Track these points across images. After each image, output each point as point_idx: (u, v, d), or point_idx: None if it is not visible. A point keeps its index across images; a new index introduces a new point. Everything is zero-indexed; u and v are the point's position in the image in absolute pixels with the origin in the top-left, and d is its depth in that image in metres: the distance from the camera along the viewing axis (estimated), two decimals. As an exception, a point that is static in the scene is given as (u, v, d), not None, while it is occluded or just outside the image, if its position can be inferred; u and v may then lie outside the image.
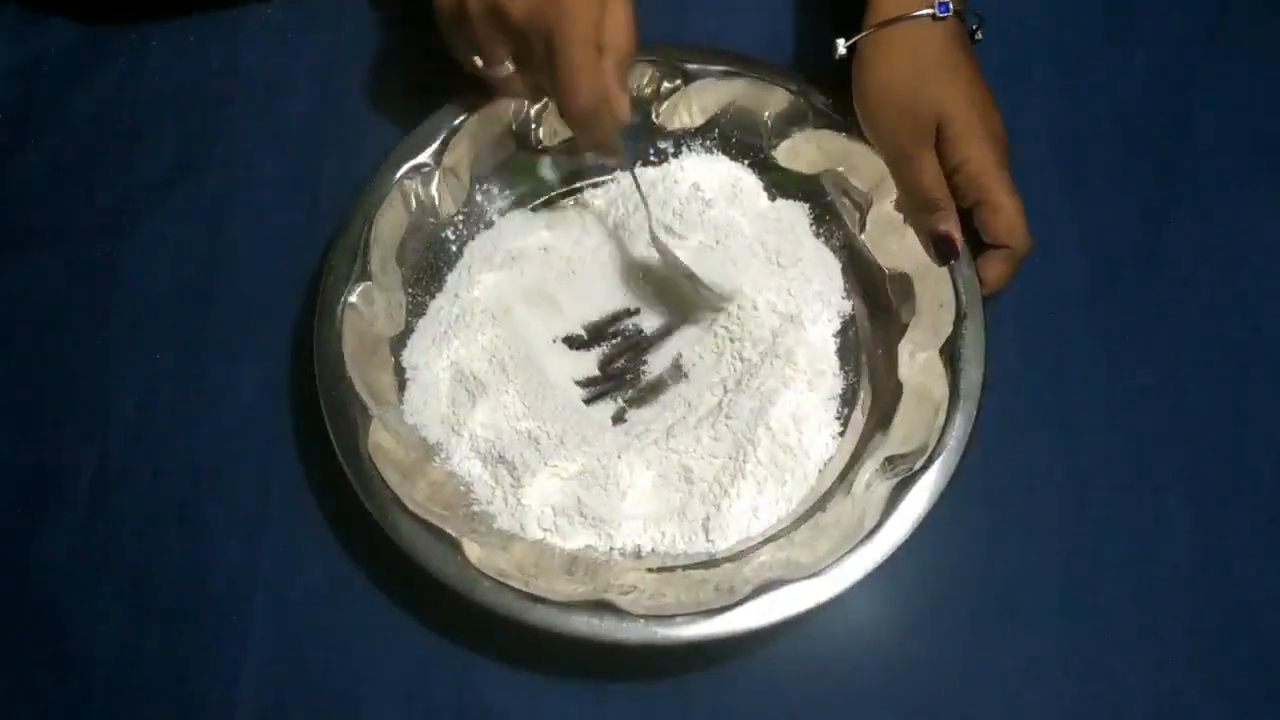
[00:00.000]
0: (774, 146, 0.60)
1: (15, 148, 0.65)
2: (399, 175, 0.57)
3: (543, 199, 0.61)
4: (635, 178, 0.57)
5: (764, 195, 0.60)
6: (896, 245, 0.56)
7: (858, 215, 0.58)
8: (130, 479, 0.57)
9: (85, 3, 0.67)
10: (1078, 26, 0.66)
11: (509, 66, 0.53)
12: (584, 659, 0.51)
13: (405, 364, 0.57)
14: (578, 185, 0.62)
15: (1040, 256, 0.54)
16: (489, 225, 0.61)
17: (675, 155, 0.61)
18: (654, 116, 0.60)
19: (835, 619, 0.53)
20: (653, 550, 0.53)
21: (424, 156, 0.57)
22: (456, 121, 0.57)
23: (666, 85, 0.59)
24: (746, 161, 0.61)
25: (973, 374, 0.51)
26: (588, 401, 0.57)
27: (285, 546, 0.56)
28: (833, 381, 0.56)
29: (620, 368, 0.58)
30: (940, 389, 0.51)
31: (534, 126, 0.59)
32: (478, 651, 0.53)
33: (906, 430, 0.52)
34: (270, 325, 0.60)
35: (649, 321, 0.60)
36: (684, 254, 0.57)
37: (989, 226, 0.52)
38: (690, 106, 0.60)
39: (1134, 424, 0.57)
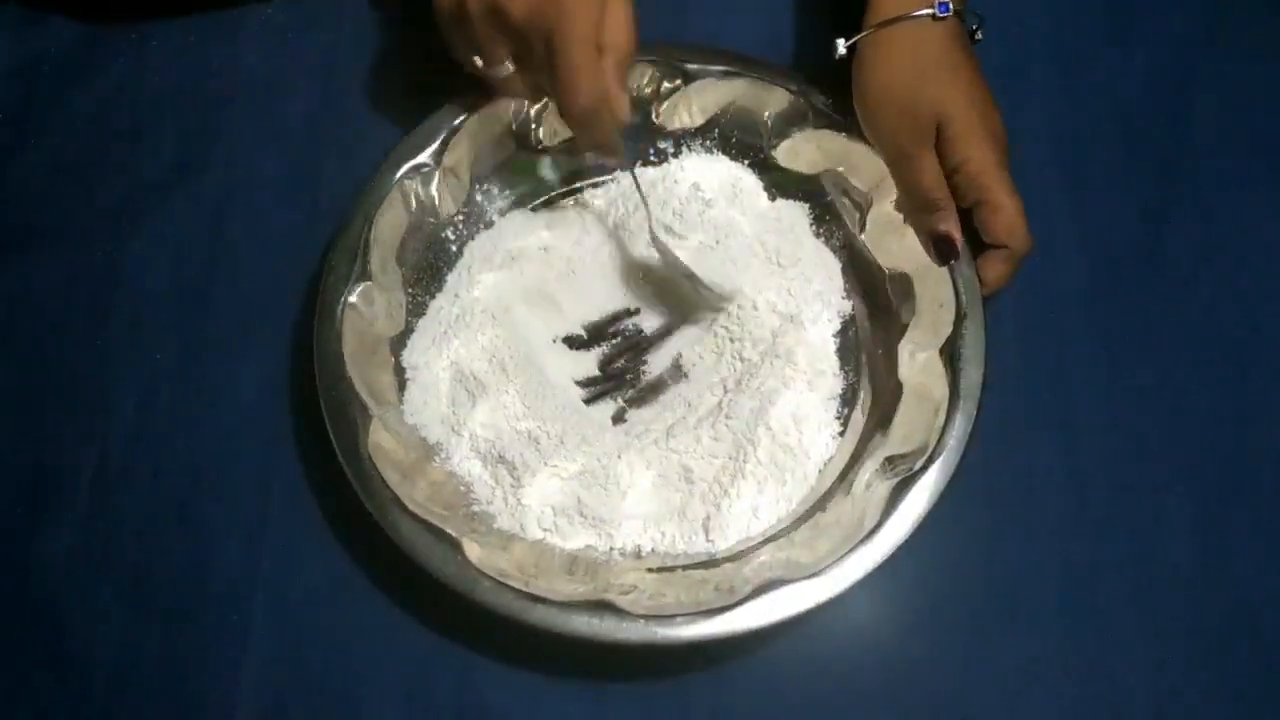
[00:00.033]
0: (774, 146, 0.60)
1: (15, 148, 0.65)
2: (399, 175, 0.57)
3: (543, 199, 0.61)
4: (635, 178, 0.57)
5: (764, 195, 0.60)
6: (896, 245, 0.56)
7: (858, 215, 0.58)
8: (130, 479, 0.57)
9: (85, 2, 0.67)
10: (1078, 26, 0.66)
11: (509, 66, 0.53)
12: (584, 659, 0.51)
13: (405, 364, 0.57)
14: (578, 185, 0.62)
15: (1040, 256, 0.54)
16: (489, 225, 0.61)
17: (675, 155, 0.61)
18: (654, 116, 0.60)
19: (835, 619, 0.53)
20: (653, 550, 0.53)
21: (424, 156, 0.57)
22: (456, 121, 0.57)
23: (666, 85, 0.59)
24: (746, 161, 0.61)
25: (973, 374, 0.51)
26: (588, 401, 0.57)
27: (285, 546, 0.56)
28: (833, 381, 0.56)
29: (620, 368, 0.58)
30: (940, 389, 0.51)
31: (534, 126, 0.59)
32: (478, 651, 0.53)
33: (906, 430, 0.52)
34: (270, 325, 0.60)
35: (649, 321, 0.60)
36: (684, 254, 0.57)
37: (989, 226, 0.52)
38: (690, 106, 0.60)
39: (1134, 424, 0.57)
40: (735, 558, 0.51)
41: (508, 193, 0.61)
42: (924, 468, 0.49)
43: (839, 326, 0.57)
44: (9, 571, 0.56)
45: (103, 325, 0.61)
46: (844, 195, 0.59)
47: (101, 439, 0.58)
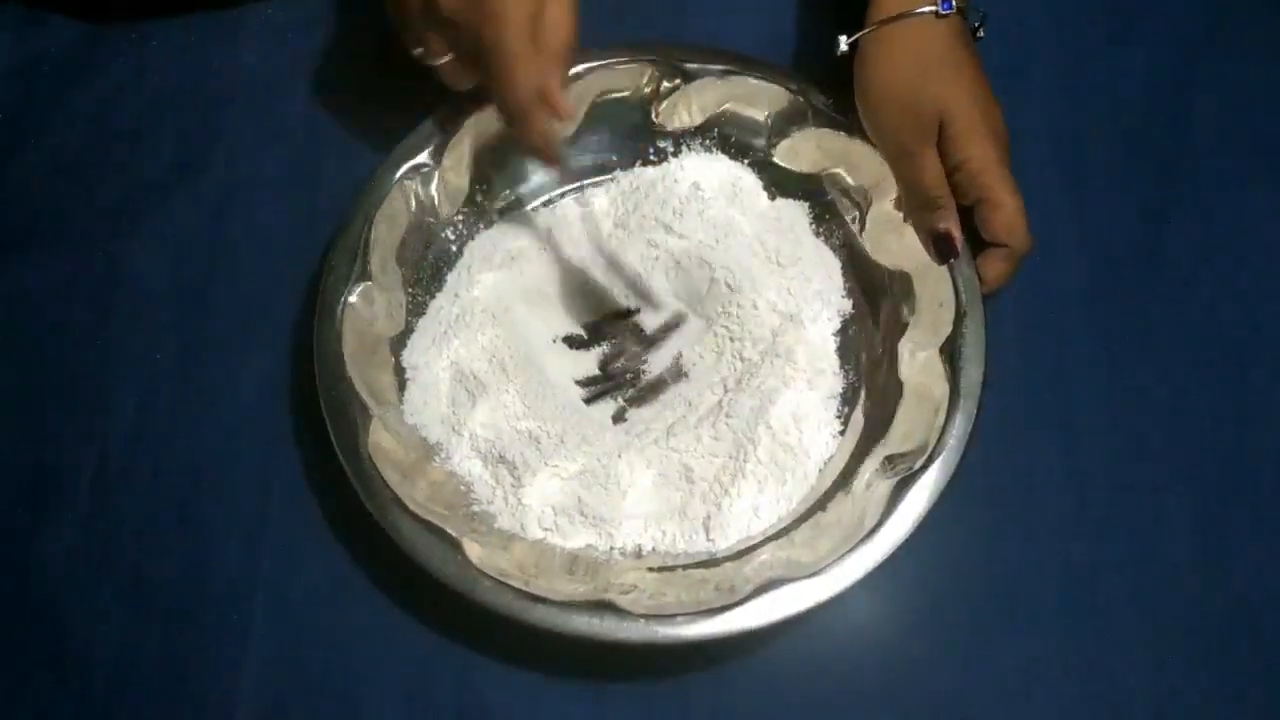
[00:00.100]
0: (774, 146, 0.60)
1: (15, 148, 0.65)
2: (399, 175, 0.57)
3: (543, 199, 0.61)
4: (584, 204, 0.57)
5: (764, 194, 0.60)
6: (896, 244, 0.56)
7: (857, 214, 0.58)
8: (130, 479, 0.57)
9: (85, 2, 0.67)
10: (1078, 26, 0.66)
11: (448, 57, 0.52)
12: (584, 659, 0.51)
13: (405, 364, 0.57)
14: (578, 185, 0.62)
15: (1040, 256, 0.54)
16: (489, 225, 0.61)
17: (675, 155, 0.61)
18: (653, 116, 0.60)
19: (835, 619, 0.53)
20: (653, 549, 0.53)
21: (424, 156, 0.57)
22: (456, 121, 0.57)
23: (666, 85, 0.59)
24: (746, 161, 0.61)
25: (973, 373, 0.51)
26: (588, 401, 0.57)
27: (285, 546, 0.56)
28: (833, 380, 0.56)
29: (620, 367, 0.58)
30: (940, 388, 0.51)
31: (534, 126, 0.59)
32: (478, 651, 0.53)
33: (907, 429, 0.52)
34: (270, 325, 0.60)
35: (649, 321, 0.59)
36: (661, 257, 0.58)
37: (989, 225, 0.52)
38: (690, 106, 0.60)
39: (1134, 424, 0.57)
40: (736, 557, 0.51)
41: (507, 193, 0.61)
42: (924, 467, 0.49)
43: (839, 325, 0.57)
44: (9, 571, 0.56)
45: (103, 325, 0.61)
46: (844, 194, 0.59)
47: (101, 439, 0.58)
